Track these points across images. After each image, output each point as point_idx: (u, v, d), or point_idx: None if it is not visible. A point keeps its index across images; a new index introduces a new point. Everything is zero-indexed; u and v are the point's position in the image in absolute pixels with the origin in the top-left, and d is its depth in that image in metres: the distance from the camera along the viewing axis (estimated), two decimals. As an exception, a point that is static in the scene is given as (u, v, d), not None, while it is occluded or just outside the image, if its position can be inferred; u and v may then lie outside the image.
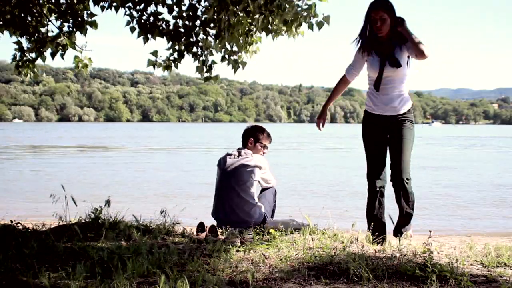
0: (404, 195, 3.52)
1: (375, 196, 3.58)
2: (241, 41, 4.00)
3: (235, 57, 4.13)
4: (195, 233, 3.54)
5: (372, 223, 3.53)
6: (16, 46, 4.32)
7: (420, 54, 3.26)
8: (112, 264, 2.31)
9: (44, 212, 5.54)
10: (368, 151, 3.61)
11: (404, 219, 3.56)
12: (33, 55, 4.35)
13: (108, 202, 3.66)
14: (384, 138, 3.56)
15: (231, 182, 3.67)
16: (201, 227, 3.60)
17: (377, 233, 3.42)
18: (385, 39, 3.40)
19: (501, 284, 2.32)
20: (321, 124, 3.82)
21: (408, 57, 3.42)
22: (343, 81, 3.68)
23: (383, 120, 3.52)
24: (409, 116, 3.55)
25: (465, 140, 38.88)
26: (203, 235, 3.28)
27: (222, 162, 3.79)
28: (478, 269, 2.66)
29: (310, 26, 3.82)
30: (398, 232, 3.53)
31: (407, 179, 3.48)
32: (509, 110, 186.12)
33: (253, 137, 3.91)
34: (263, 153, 3.96)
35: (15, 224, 3.53)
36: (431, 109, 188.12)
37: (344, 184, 10.23)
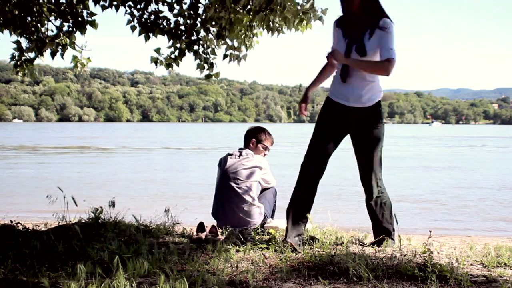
0: (376, 204, 3.22)
1: (304, 189, 3.23)
2: (241, 38, 4.01)
3: (237, 52, 4.14)
4: (195, 233, 3.54)
5: (291, 220, 3.13)
6: (15, 46, 4.32)
7: (381, 74, 2.97)
8: (112, 264, 2.30)
9: (44, 212, 5.54)
10: (314, 140, 3.16)
11: (381, 233, 3.23)
12: (32, 54, 4.35)
13: (113, 204, 3.65)
14: (341, 132, 3.14)
15: (232, 182, 3.67)
16: (201, 227, 3.59)
17: (289, 234, 3.06)
18: (357, 16, 2.96)
19: (501, 284, 2.32)
20: (303, 109, 3.36)
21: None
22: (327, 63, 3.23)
23: (345, 111, 3.07)
24: (378, 110, 3.08)
25: (465, 140, 38.87)
26: (203, 235, 3.28)
27: (223, 162, 3.79)
28: (478, 269, 2.66)
29: (311, 18, 3.81)
30: (376, 243, 3.19)
31: (378, 185, 3.17)
32: (509, 110, 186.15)
33: (255, 138, 3.91)
34: (264, 154, 3.96)
35: (15, 224, 3.53)
36: (431, 109, 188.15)
37: (344, 184, 10.22)
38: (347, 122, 3.10)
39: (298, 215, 3.16)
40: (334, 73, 3.19)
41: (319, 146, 3.14)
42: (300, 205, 3.21)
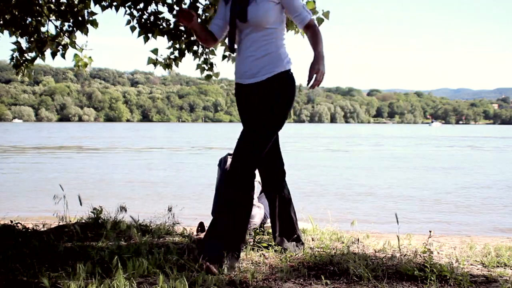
0: (278, 196, 2.91)
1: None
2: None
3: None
4: (195, 233, 3.54)
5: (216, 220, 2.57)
6: (15, 47, 4.32)
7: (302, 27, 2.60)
8: (112, 264, 2.30)
9: (44, 212, 5.54)
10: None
11: (285, 230, 2.92)
12: (32, 54, 4.36)
13: (123, 209, 3.64)
14: (247, 116, 2.73)
15: (231, 182, 3.67)
16: (201, 227, 3.60)
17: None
18: None
19: (501, 284, 2.32)
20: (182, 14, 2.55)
21: (279, 3, 2.59)
22: (211, 36, 2.75)
23: (247, 92, 2.66)
24: (279, 83, 2.58)
25: (465, 140, 38.87)
26: (203, 235, 3.28)
27: (223, 162, 3.78)
28: (478, 269, 2.66)
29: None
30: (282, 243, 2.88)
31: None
32: (509, 110, 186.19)
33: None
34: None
35: (15, 224, 3.53)
36: (431, 109, 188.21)
37: (345, 184, 10.23)
38: (251, 103, 2.65)
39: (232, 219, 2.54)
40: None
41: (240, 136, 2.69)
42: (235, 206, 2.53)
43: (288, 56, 2.68)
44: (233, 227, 2.48)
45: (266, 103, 2.58)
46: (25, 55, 4.35)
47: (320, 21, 3.78)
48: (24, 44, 4.31)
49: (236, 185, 2.50)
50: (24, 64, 4.39)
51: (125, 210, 3.62)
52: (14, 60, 4.39)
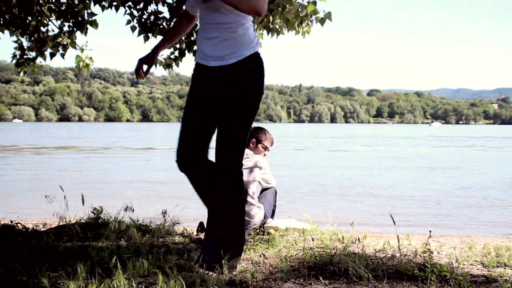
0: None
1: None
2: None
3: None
4: (195, 233, 3.54)
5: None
6: (16, 45, 4.32)
7: (250, 13, 2.31)
8: (112, 264, 2.30)
9: (44, 212, 5.54)
10: (183, 116, 2.54)
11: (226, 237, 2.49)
12: (33, 54, 4.36)
13: (130, 209, 3.63)
14: (209, 101, 2.46)
15: (231, 182, 3.67)
16: (201, 227, 3.60)
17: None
18: None
19: (501, 284, 2.32)
20: (140, 70, 2.61)
21: None
22: (185, 15, 2.61)
23: (209, 75, 2.42)
24: (249, 67, 2.39)
25: (464, 140, 38.87)
26: (203, 235, 3.28)
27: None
28: (478, 269, 2.66)
29: (313, 21, 3.80)
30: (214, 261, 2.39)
31: (231, 171, 2.44)
32: (509, 110, 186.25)
33: (255, 138, 3.91)
34: (264, 154, 3.96)
35: (15, 224, 3.53)
36: (431, 109, 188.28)
37: (345, 184, 10.23)
38: (213, 87, 2.43)
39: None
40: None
41: (187, 124, 2.49)
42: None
43: (256, 38, 2.48)
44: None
45: (236, 90, 2.38)
46: (27, 53, 4.36)
47: (322, 21, 3.79)
48: (25, 43, 4.31)
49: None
50: (25, 62, 4.39)
51: (132, 210, 3.62)
52: (16, 59, 4.39)
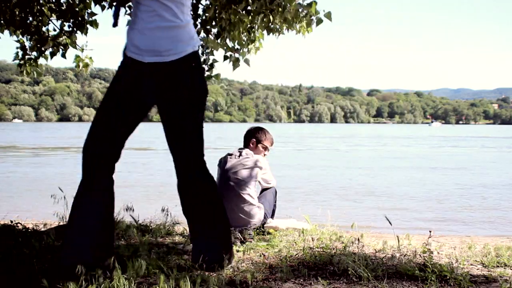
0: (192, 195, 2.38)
1: (84, 187, 2.27)
2: (243, 38, 4.01)
3: (236, 55, 4.13)
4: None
5: (69, 237, 2.23)
6: (18, 45, 4.33)
7: None
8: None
9: (44, 212, 5.54)
10: (99, 111, 2.25)
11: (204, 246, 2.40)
12: (35, 53, 4.37)
13: (130, 209, 3.63)
14: (139, 99, 2.23)
15: (232, 182, 3.67)
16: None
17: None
18: None
19: (501, 284, 2.32)
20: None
21: None
22: None
23: (143, 71, 2.18)
24: (192, 65, 2.19)
25: (464, 140, 38.87)
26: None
27: (222, 162, 3.79)
28: (478, 269, 2.66)
29: (313, 20, 3.79)
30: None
31: (199, 173, 2.33)
32: (509, 110, 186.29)
33: (255, 138, 3.92)
34: (264, 154, 3.96)
35: (15, 224, 3.53)
36: (431, 109, 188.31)
37: (345, 184, 10.23)
38: (146, 86, 2.19)
39: (84, 222, 2.22)
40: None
41: (102, 122, 2.23)
42: (88, 205, 2.23)
43: (196, 34, 2.27)
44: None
45: (182, 89, 2.17)
46: (29, 53, 4.36)
47: (320, 21, 3.78)
48: (26, 43, 4.31)
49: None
50: (28, 63, 4.39)
51: (133, 210, 3.62)
52: (18, 59, 4.39)
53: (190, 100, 2.21)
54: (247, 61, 4.15)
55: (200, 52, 2.74)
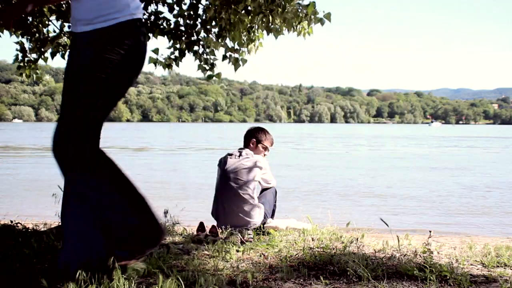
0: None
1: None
2: (243, 38, 4.01)
3: (236, 55, 4.13)
4: (195, 233, 3.54)
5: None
6: (18, 47, 4.32)
7: None
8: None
9: (44, 212, 5.54)
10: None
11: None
12: (34, 55, 4.36)
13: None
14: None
15: (232, 182, 3.67)
16: (201, 227, 3.59)
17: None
18: None
19: (501, 284, 2.32)
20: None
21: None
22: None
23: (78, 44, 1.99)
24: (122, 35, 1.91)
25: (464, 140, 38.88)
26: (203, 235, 3.29)
27: (223, 162, 3.79)
28: (478, 269, 2.66)
29: (310, 22, 3.80)
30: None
31: (69, 153, 2.05)
32: (509, 110, 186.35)
33: (255, 138, 3.92)
34: (264, 154, 3.97)
35: (15, 224, 3.53)
36: (431, 109, 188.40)
37: (345, 184, 10.23)
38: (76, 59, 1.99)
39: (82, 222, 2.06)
40: None
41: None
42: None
43: (137, 2, 1.99)
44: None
45: (101, 62, 1.90)
46: (28, 55, 4.36)
47: (318, 21, 3.79)
48: (26, 44, 4.31)
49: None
50: (27, 65, 4.39)
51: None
52: (18, 61, 4.39)
53: (86, 76, 1.97)
54: (244, 61, 4.15)
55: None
